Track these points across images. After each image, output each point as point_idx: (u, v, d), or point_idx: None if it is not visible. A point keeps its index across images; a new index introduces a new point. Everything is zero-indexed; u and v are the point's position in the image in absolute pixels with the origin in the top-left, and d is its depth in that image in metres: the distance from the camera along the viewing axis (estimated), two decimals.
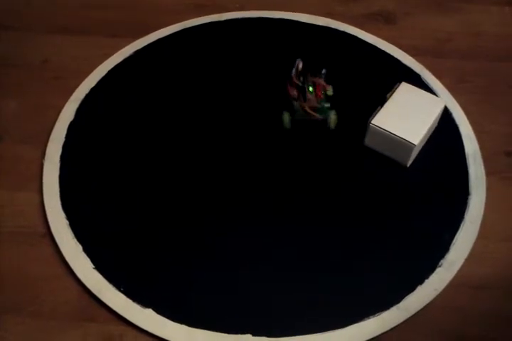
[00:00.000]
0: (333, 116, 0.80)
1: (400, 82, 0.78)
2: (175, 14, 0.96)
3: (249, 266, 0.69)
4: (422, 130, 0.73)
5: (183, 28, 0.94)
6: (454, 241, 0.70)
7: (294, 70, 0.80)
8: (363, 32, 0.93)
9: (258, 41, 0.91)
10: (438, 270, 0.68)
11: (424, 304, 0.65)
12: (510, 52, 0.92)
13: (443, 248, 0.69)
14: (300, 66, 0.79)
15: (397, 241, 0.70)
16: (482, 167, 0.77)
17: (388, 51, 0.90)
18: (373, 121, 0.74)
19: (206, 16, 0.96)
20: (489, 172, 0.77)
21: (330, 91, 0.81)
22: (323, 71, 0.80)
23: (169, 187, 0.76)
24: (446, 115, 0.82)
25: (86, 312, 0.67)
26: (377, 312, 0.65)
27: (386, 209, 0.73)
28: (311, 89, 0.78)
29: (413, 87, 0.77)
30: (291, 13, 0.95)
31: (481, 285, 0.68)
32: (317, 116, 0.79)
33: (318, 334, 0.64)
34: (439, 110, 0.75)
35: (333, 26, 0.93)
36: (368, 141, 0.78)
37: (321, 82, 0.79)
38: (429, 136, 0.78)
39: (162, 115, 0.83)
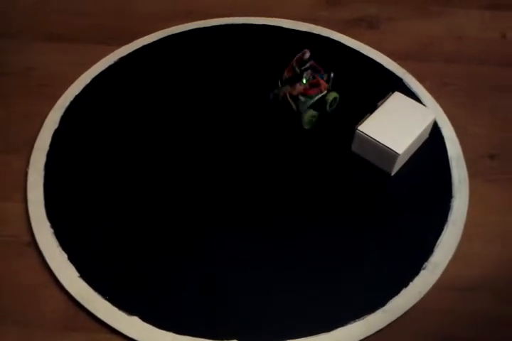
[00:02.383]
0: (307, 116, 0.79)
1: (393, 92, 0.78)
2: (160, 21, 0.97)
3: (234, 273, 0.69)
4: (408, 140, 0.73)
5: (168, 34, 0.94)
6: (438, 243, 0.71)
7: (298, 55, 0.79)
8: (345, 37, 0.94)
9: (242, 47, 0.92)
10: (422, 272, 0.68)
11: (409, 307, 0.66)
12: (492, 55, 0.93)
13: (427, 250, 0.70)
14: (307, 55, 0.79)
15: (381, 245, 0.71)
16: (465, 170, 0.78)
17: (371, 56, 0.91)
18: (360, 128, 0.74)
19: (191, 23, 0.96)
20: (473, 175, 0.78)
21: (331, 97, 0.80)
22: (332, 75, 0.80)
23: (154, 195, 0.76)
24: None
25: (72, 320, 0.67)
26: (363, 315, 0.65)
27: (370, 213, 0.74)
28: (304, 80, 0.78)
29: (405, 97, 0.77)
30: (274, 19, 0.96)
31: (466, 286, 0.69)
32: (293, 106, 0.79)
33: (304, 338, 0.64)
34: (428, 122, 0.75)
35: (315, 32, 0.94)
36: (355, 147, 0.78)
37: (322, 82, 0.79)
38: (417, 147, 0.78)
39: (147, 122, 0.83)
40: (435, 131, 0.82)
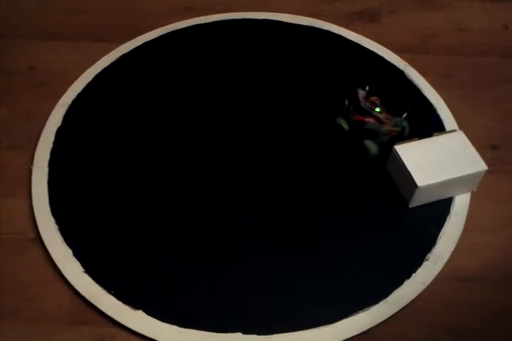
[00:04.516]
0: (406, 125, 0.77)
1: (457, 130, 0.73)
2: (161, 17, 0.97)
3: (238, 266, 0.69)
4: (438, 178, 0.68)
5: (169, 31, 0.95)
6: (441, 234, 0.71)
7: (360, 98, 0.78)
8: (346, 30, 0.94)
9: (243, 42, 0.92)
10: (425, 264, 0.68)
11: (412, 298, 0.66)
12: (494, 46, 0.93)
13: (430, 242, 0.70)
14: (362, 94, 0.79)
15: (383, 237, 0.71)
16: None
17: (372, 49, 0.91)
18: (396, 147, 0.71)
19: (192, 19, 0.97)
20: None
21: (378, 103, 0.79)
22: (367, 88, 0.79)
23: (158, 190, 0.76)
24: (430, 110, 0.83)
25: (78, 315, 0.67)
26: (366, 306, 0.65)
27: (373, 205, 0.74)
28: (378, 109, 0.77)
29: (466, 139, 0.72)
30: (275, 14, 0.96)
31: (468, 277, 0.69)
32: (398, 129, 0.76)
33: (308, 330, 0.64)
34: (473, 170, 0.69)
35: (316, 26, 0.94)
36: (389, 165, 0.75)
37: (374, 98, 0.78)
38: (453, 193, 0.73)
39: (150, 118, 0.83)
40: (437, 123, 0.81)
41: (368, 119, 0.77)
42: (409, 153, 0.70)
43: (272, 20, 0.95)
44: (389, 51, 0.91)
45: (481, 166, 0.70)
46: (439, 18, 0.98)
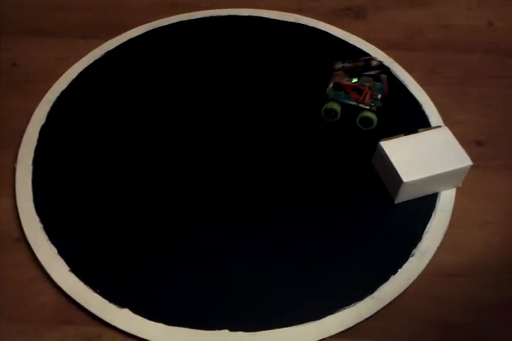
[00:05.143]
0: (326, 106, 0.78)
1: (442, 126, 0.74)
2: (146, 14, 0.96)
3: (223, 263, 0.69)
4: (424, 173, 0.68)
5: (154, 27, 0.94)
6: (426, 230, 0.71)
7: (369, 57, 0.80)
8: (332, 27, 0.94)
9: (228, 39, 0.92)
10: (411, 259, 0.69)
11: (397, 293, 0.66)
12: (479, 43, 0.94)
13: (415, 237, 0.70)
14: (374, 63, 0.79)
15: (369, 232, 0.71)
16: None
17: (358, 45, 0.91)
18: (382, 143, 0.71)
19: (177, 15, 0.96)
20: None
21: (363, 115, 0.78)
22: (379, 96, 0.78)
23: (143, 188, 0.76)
24: (416, 106, 0.83)
25: (63, 314, 0.67)
26: (352, 302, 0.65)
27: (359, 201, 0.74)
28: (355, 80, 0.78)
29: (451, 135, 0.72)
30: (259, 10, 0.96)
31: (454, 272, 0.69)
32: (327, 89, 0.78)
33: (294, 326, 0.64)
34: (458, 166, 0.69)
35: (302, 22, 0.94)
36: (374, 161, 0.75)
37: (367, 94, 0.77)
38: (438, 188, 0.73)
39: (135, 115, 0.83)
40: (422, 119, 0.82)
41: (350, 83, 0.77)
42: (394, 148, 0.70)
43: (258, 17, 0.94)
44: (375, 48, 0.91)
45: (466, 162, 0.70)
46: (424, 14, 0.98)
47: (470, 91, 0.87)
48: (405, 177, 0.68)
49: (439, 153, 0.70)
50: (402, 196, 0.71)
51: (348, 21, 0.97)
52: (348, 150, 0.78)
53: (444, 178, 0.71)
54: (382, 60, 0.89)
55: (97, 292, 0.67)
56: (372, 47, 0.91)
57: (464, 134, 0.81)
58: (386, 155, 0.70)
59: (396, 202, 0.72)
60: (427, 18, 0.98)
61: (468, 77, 0.89)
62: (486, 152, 0.80)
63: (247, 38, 0.92)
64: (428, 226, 0.71)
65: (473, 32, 0.95)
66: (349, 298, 0.66)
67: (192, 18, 0.94)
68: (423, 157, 0.70)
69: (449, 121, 0.82)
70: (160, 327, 0.65)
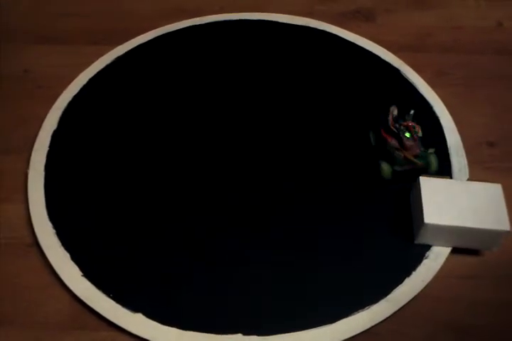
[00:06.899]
0: (433, 160, 0.72)
1: (497, 184, 0.68)
2: (155, 19, 0.97)
3: (238, 267, 0.69)
4: (449, 221, 0.64)
5: (163, 32, 0.95)
6: None
7: (390, 117, 0.73)
8: (342, 30, 0.94)
9: (238, 44, 0.92)
10: (425, 261, 0.68)
11: (412, 296, 0.65)
12: (488, 44, 0.93)
13: None
14: (395, 112, 0.74)
15: (383, 234, 0.71)
16: (465, 158, 0.78)
17: (368, 48, 0.91)
18: (421, 178, 0.68)
19: (186, 20, 0.97)
20: (472, 163, 0.77)
21: (420, 133, 0.73)
22: (412, 112, 0.74)
23: (155, 193, 0.76)
24: (426, 108, 0.83)
25: (77, 319, 0.67)
26: (367, 305, 0.65)
27: (372, 203, 0.73)
28: (408, 134, 0.71)
29: (501, 194, 0.66)
30: (270, 14, 0.96)
31: (468, 275, 0.68)
32: (419, 163, 0.71)
33: (308, 330, 0.64)
34: (492, 228, 0.64)
35: (312, 26, 0.94)
36: (412, 195, 0.71)
37: (410, 123, 0.73)
38: (469, 245, 0.68)
39: (145, 121, 0.83)
40: (433, 120, 0.81)
41: (391, 139, 0.72)
42: (432, 187, 0.67)
43: (268, 21, 0.95)
44: (385, 50, 0.91)
45: (503, 226, 0.64)
46: (433, 16, 0.98)
47: (480, 92, 0.87)
48: (428, 218, 0.65)
49: (479, 208, 0.65)
50: (423, 238, 0.68)
51: (357, 24, 0.97)
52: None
53: (475, 235, 0.65)
54: (391, 62, 0.89)
55: (110, 297, 0.67)
56: (382, 49, 0.91)
57: (474, 136, 0.81)
58: (420, 191, 0.67)
59: (416, 242, 0.69)
60: (436, 19, 0.98)
61: (478, 77, 0.89)
62: (497, 153, 0.79)
63: (258, 42, 0.92)
64: None
65: (482, 33, 0.95)
66: (363, 301, 0.65)
67: (201, 22, 0.95)
68: (459, 206, 0.65)
69: (459, 122, 0.82)
70: (173, 331, 0.64)
